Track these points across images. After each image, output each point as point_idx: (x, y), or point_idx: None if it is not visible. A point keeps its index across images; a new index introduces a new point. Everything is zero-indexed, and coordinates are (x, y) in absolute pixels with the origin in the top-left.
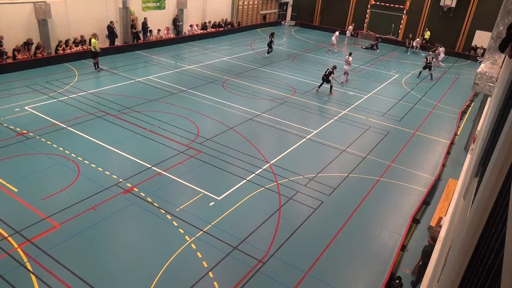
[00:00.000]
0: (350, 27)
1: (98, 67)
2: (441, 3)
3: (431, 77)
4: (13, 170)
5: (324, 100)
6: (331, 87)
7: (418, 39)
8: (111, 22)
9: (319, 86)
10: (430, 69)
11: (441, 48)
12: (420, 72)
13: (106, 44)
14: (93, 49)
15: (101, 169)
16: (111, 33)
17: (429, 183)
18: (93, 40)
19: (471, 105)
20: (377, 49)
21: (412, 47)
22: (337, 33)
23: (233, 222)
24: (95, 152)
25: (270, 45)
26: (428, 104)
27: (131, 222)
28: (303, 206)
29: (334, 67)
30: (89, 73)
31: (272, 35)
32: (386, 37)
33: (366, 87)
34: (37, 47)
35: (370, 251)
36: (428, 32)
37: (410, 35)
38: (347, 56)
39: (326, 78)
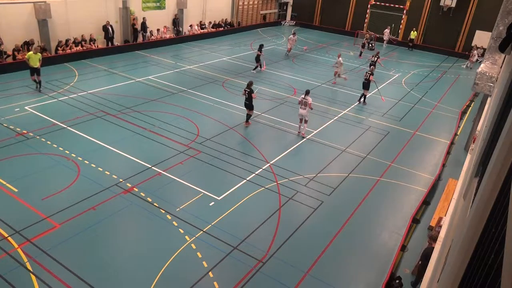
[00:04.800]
0: (387, 30)
1: (39, 86)
2: (441, 3)
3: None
4: (13, 170)
5: (324, 100)
6: (248, 116)
7: (475, 52)
8: (106, 22)
9: (247, 119)
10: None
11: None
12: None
13: (105, 44)
14: (31, 64)
15: (101, 169)
16: (107, 33)
17: (429, 183)
18: (29, 53)
19: (471, 105)
20: (374, 46)
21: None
22: (291, 36)
23: (233, 222)
24: (95, 152)
25: (258, 59)
26: (428, 104)
27: (131, 222)
28: (303, 206)
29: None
30: (89, 73)
31: (260, 48)
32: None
33: None
34: (29, 44)
35: (370, 251)
36: (415, 33)
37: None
38: (303, 96)
39: (249, 103)
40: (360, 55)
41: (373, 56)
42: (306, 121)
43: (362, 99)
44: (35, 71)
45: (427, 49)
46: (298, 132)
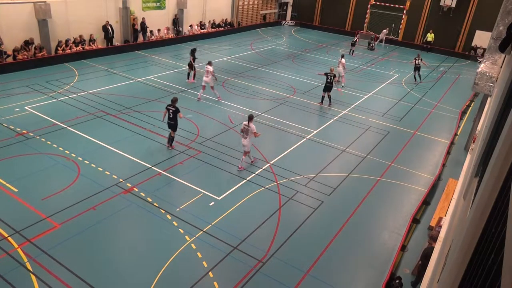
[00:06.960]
0: (385, 31)
1: None
2: (441, 3)
3: (417, 78)
4: (13, 170)
5: (324, 100)
6: (172, 138)
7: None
8: (106, 22)
9: (171, 142)
10: (419, 70)
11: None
12: (415, 76)
13: (105, 44)
14: None
15: (101, 169)
16: (107, 33)
17: (429, 183)
18: None
19: (471, 105)
20: (374, 46)
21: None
22: (340, 58)
23: (233, 222)
24: (95, 152)
25: (191, 65)
26: (428, 104)
27: (131, 222)
28: (303, 206)
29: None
30: (89, 73)
31: (193, 52)
32: (386, 37)
33: (366, 87)
34: (29, 43)
35: (370, 251)
36: (432, 35)
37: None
38: (246, 122)
39: (174, 123)
40: (352, 53)
41: (416, 59)
42: (246, 153)
43: (324, 100)
44: None
45: (427, 49)
46: (240, 167)
